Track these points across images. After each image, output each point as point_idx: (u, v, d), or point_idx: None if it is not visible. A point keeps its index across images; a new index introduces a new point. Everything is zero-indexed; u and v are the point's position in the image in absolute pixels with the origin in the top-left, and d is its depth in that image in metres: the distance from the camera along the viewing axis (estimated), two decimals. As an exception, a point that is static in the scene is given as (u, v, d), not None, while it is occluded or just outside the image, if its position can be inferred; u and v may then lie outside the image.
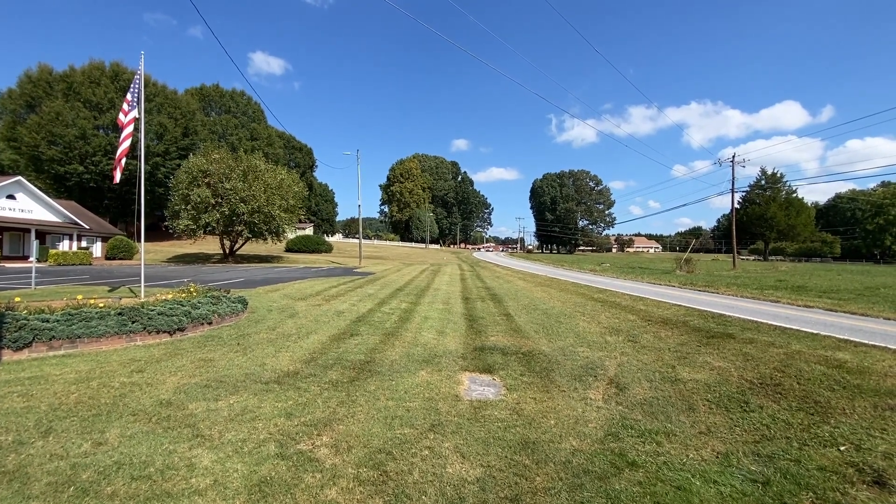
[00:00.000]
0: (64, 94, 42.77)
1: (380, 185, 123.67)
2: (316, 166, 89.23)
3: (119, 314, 6.58)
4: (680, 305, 11.11)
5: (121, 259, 33.69)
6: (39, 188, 32.30)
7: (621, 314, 9.88)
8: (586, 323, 8.94)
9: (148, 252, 40.49)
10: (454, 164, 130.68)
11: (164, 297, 8.01)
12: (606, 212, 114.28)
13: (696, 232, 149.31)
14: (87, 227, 32.56)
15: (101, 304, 6.88)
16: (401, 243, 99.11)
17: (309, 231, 69.18)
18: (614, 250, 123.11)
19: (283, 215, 34.62)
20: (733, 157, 34.86)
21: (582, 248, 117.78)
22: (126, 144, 9.48)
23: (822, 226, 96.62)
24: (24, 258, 27.19)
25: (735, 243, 35.33)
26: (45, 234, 30.47)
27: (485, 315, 9.89)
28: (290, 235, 48.79)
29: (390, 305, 11.15)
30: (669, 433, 4.04)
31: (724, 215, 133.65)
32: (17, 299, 6.51)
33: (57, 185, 42.96)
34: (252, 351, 6.34)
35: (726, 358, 6.23)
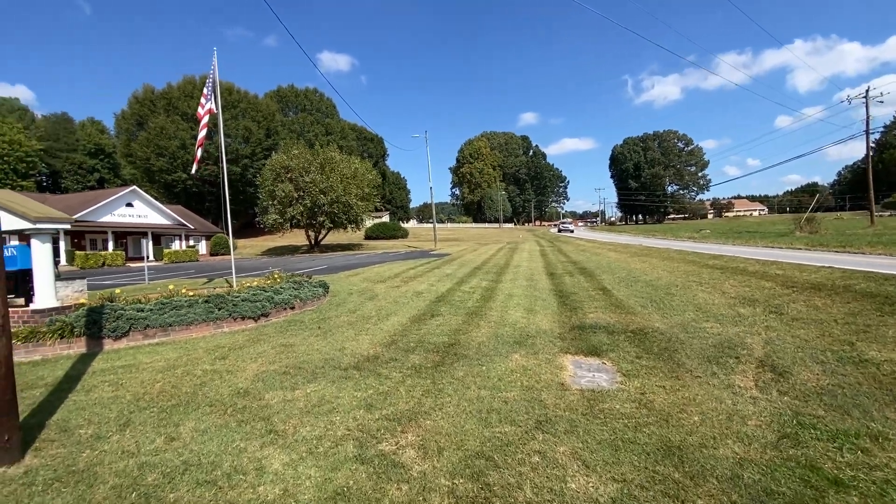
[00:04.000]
0: (165, 109, 47.58)
1: (449, 168, 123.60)
2: (387, 155, 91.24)
3: (206, 302, 6.62)
4: (831, 267, 9.06)
5: (222, 254, 37.01)
6: (153, 196, 36.40)
7: (751, 281, 8.24)
8: (707, 294, 7.53)
9: (245, 247, 44.18)
10: (524, 138, 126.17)
11: (248, 285, 8.07)
12: (699, 174, 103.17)
13: (810, 189, 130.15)
14: (193, 227, 36.14)
15: (191, 293, 6.99)
16: (474, 224, 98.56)
17: (385, 218, 71.15)
18: (710, 216, 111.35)
19: (359, 203, 35.55)
20: (867, 91, 28.93)
21: (672, 216, 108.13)
22: (202, 135, 9.76)
23: None
24: (144, 258, 30.81)
25: (872, 195, 29.60)
26: (160, 236, 34.33)
27: (577, 290, 8.84)
28: (368, 223, 50.39)
29: (470, 284, 10.50)
30: (877, 436, 2.87)
31: (846, 167, 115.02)
32: (118, 291, 6.82)
33: (167, 192, 48.26)
34: (332, 335, 6.02)
35: (924, 330, 4.66)
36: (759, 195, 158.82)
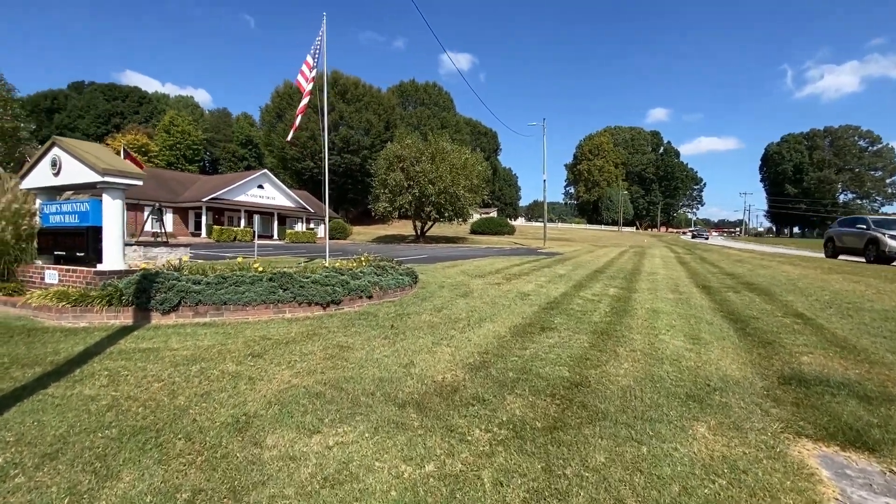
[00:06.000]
0: (300, 102, 51.93)
1: (565, 165, 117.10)
2: (500, 150, 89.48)
3: (270, 280, 5.57)
4: None
5: (337, 238, 38.95)
6: (286, 183, 39.73)
7: None
8: None
9: (359, 233, 46.29)
10: (654, 133, 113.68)
11: (324, 265, 6.98)
12: (888, 180, 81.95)
13: None
14: (313, 211, 38.60)
15: (261, 269, 6.04)
16: (588, 226, 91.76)
17: (493, 214, 69.59)
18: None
19: (467, 195, 34.38)
20: None
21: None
22: (304, 102, 9.63)
23: None
24: (269, 237, 33.66)
25: None
26: (285, 218, 37.24)
27: (757, 314, 6.10)
28: (475, 217, 49.25)
29: (592, 290, 8.24)
30: None
31: None
32: (185, 259, 6.14)
33: (297, 179, 52.80)
34: (403, 340, 4.45)
35: None
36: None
